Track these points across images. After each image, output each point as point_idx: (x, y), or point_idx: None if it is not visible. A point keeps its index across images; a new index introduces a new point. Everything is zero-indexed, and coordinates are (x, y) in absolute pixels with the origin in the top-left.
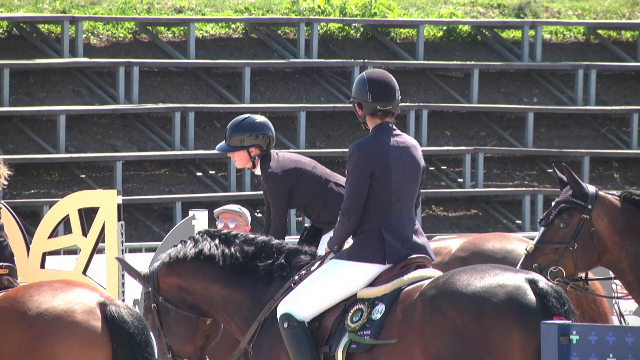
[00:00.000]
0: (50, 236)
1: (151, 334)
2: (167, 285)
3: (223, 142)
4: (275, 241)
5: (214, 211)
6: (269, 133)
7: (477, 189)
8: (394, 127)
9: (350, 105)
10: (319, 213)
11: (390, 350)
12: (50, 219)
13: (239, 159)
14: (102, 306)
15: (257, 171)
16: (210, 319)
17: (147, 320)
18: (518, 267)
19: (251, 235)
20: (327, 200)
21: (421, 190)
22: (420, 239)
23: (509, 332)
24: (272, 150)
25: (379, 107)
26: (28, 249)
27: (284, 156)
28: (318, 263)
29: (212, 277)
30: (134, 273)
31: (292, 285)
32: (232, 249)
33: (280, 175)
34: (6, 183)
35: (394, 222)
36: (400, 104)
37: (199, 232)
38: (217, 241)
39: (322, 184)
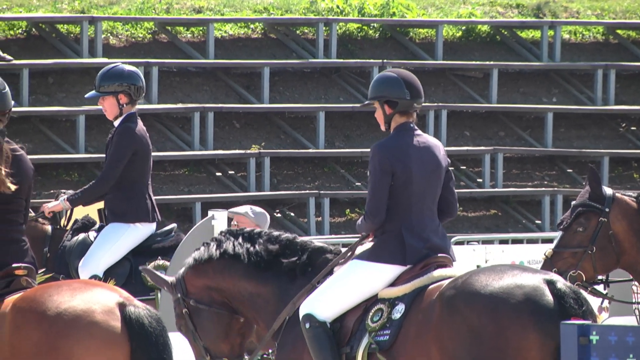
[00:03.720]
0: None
1: (169, 335)
2: (195, 287)
3: (92, 91)
4: (299, 239)
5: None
6: (139, 83)
7: (496, 189)
8: (415, 127)
9: (370, 104)
10: (113, 198)
11: (409, 349)
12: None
13: (109, 107)
14: (122, 307)
15: (117, 122)
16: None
17: (181, 328)
18: None
19: (275, 233)
20: (131, 196)
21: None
22: (442, 239)
23: (526, 333)
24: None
25: (415, 104)
26: None
27: (144, 127)
28: (342, 260)
29: (239, 273)
30: (161, 281)
31: (316, 284)
32: (257, 247)
33: (134, 135)
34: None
35: (414, 222)
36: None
37: (222, 232)
38: (240, 240)
39: (145, 176)
